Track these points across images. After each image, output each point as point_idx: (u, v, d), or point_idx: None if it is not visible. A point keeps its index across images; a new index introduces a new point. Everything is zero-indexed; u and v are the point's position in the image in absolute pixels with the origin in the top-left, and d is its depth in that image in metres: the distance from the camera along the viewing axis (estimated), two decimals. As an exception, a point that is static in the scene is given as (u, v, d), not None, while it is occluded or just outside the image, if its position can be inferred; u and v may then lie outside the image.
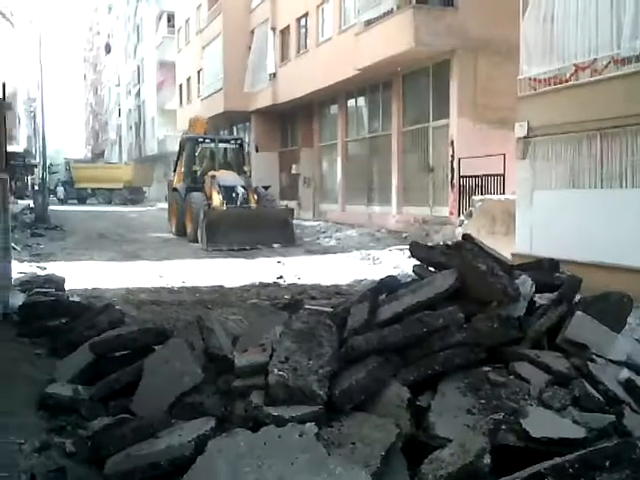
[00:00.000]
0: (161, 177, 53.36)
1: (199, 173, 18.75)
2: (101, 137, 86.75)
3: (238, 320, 6.54)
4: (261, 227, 15.77)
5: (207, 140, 19.89)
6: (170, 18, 45.25)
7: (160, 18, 47.82)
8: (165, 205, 41.47)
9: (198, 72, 36.29)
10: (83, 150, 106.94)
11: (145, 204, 46.11)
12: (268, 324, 4.23)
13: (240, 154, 19.94)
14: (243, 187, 17.10)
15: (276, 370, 3.46)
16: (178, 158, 20.79)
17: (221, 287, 9.95)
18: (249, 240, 15.38)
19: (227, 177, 17.65)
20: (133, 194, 48.45)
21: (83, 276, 10.17)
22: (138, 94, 57.17)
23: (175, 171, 21.06)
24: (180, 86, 42.00)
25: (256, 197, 17.34)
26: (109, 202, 46.97)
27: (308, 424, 3.10)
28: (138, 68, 56.81)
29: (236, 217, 15.90)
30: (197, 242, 15.98)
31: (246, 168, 19.31)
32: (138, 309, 7.82)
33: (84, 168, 49.94)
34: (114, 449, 3.37)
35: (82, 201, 47.18)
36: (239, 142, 20.37)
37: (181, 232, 18.22)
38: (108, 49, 72.57)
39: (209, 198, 17.01)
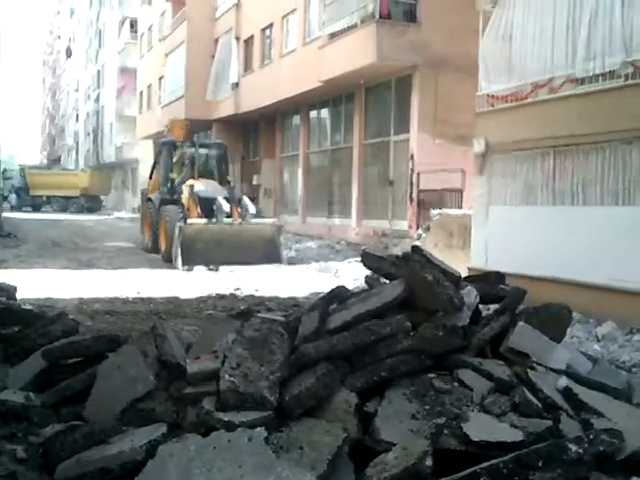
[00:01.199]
0: (119, 185, 52.80)
1: (177, 182, 16.81)
2: (57, 143, 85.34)
3: (193, 330, 6.60)
4: (244, 245, 14.21)
5: (186, 144, 17.75)
6: (133, 24, 44.92)
7: (123, 24, 47.43)
8: (122, 214, 41.38)
9: (160, 79, 36.11)
10: (38, 156, 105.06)
11: (102, 212, 45.49)
12: (221, 332, 4.29)
13: (223, 161, 17.82)
14: (225, 199, 15.19)
15: (227, 376, 3.52)
16: (154, 164, 18.94)
17: (176, 298, 9.93)
18: (230, 259, 13.77)
19: (207, 187, 15.82)
20: (90, 202, 47.57)
21: (36, 285, 10.02)
22: (97, 99, 56.48)
23: (151, 178, 18.95)
24: (141, 93, 41.69)
25: (240, 210, 15.38)
26: (65, 210, 46.00)
27: (257, 429, 3.18)
28: (98, 73, 56.17)
29: (216, 233, 14.24)
30: (171, 261, 14.14)
31: (229, 177, 17.33)
32: (92, 319, 7.79)
33: (39, 175, 48.72)
34: (65, 455, 3.38)
35: (37, 208, 46.15)
36: (222, 148, 18.12)
37: (155, 248, 16.26)
38: (69, 53, 71.63)
39: (186, 211, 15.28)
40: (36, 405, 4.06)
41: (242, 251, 14.04)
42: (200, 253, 13.83)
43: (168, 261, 14.35)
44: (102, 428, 3.56)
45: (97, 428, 3.57)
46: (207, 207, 15.02)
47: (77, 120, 68.10)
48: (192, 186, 15.65)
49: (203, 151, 17.77)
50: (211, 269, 13.29)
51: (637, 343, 7.57)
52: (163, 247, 15.53)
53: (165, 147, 17.87)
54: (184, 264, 13.54)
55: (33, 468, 3.41)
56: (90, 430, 3.55)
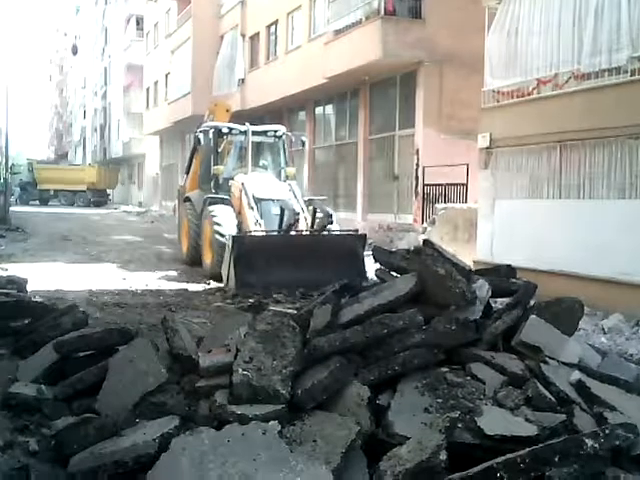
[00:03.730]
0: (125, 179, 53.01)
1: (222, 177, 13.08)
2: (65, 139, 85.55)
3: (202, 323, 6.62)
4: (318, 261, 10.09)
5: (234, 130, 13.47)
6: (139, 21, 44.95)
7: (129, 21, 47.47)
8: (129, 208, 41.43)
9: (166, 75, 36.15)
10: (46, 151, 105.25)
11: (109, 206, 45.64)
12: (232, 325, 4.29)
13: (282, 151, 13.92)
14: (289, 200, 11.75)
15: (240, 370, 3.52)
16: (192, 156, 15.28)
17: (185, 290, 9.97)
18: (298, 280, 9.82)
19: (264, 185, 12.24)
20: (97, 196, 47.87)
21: (45, 278, 10.08)
22: (104, 96, 56.61)
23: (187, 173, 15.44)
24: (147, 89, 41.75)
25: (308, 216, 11.73)
26: (72, 204, 46.25)
27: (271, 422, 3.17)
28: (105, 70, 56.26)
29: (280, 246, 10.40)
30: (221, 280, 10.50)
31: (291, 170, 13.57)
32: (101, 311, 7.82)
33: (47, 169, 49.14)
34: (78, 447, 3.38)
35: (44, 202, 46.42)
36: (279, 134, 13.89)
37: (196, 261, 12.60)
38: (75, 50, 71.63)
39: (238, 215, 11.82)
40: (48, 398, 4.06)
41: (316, 269, 9.92)
42: (259, 273, 9.99)
43: (216, 280, 10.85)
44: (115, 421, 3.56)
45: (110, 421, 3.56)
46: (266, 211, 11.66)
47: (84, 116, 68.23)
48: (244, 184, 12.04)
49: (256, 139, 13.58)
50: (280, 293, 9.75)
51: (644, 336, 7.56)
52: (208, 262, 11.78)
53: (208, 134, 13.86)
54: (238, 287, 9.87)
55: (45, 461, 3.41)
56: (103, 423, 3.55)
